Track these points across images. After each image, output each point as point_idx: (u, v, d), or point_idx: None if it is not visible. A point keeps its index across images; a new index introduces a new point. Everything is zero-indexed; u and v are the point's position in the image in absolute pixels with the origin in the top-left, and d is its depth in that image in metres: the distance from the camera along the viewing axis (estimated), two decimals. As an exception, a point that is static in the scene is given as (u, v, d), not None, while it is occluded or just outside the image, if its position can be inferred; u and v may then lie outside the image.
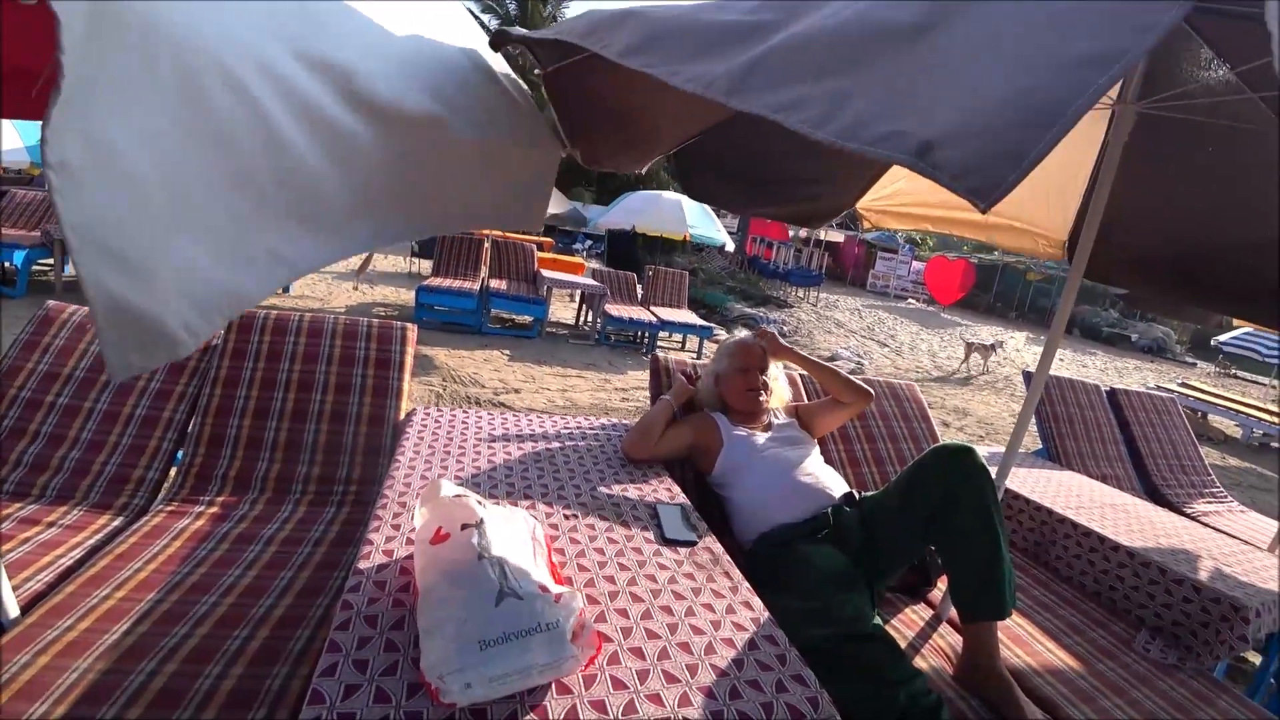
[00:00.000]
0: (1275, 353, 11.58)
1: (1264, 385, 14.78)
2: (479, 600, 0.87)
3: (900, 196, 2.98)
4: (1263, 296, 2.23)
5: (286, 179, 0.96)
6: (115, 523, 1.71)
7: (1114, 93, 1.73)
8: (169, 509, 1.76)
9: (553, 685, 0.93)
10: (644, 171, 2.34)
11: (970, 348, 10.26)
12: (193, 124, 0.79)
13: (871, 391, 2.16)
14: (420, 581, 1.02)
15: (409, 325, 2.33)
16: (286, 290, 7.39)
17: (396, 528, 1.31)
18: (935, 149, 0.66)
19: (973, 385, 9.29)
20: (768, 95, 0.87)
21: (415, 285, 6.96)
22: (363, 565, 1.17)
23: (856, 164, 2.73)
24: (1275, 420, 8.16)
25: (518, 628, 0.85)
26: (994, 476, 1.64)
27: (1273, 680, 2.36)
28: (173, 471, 1.95)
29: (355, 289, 8.46)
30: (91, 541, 1.60)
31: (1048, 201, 2.63)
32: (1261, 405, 9.12)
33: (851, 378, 2.17)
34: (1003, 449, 1.71)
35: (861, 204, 2.98)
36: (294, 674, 1.23)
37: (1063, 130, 0.61)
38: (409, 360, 2.25)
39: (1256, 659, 2.58)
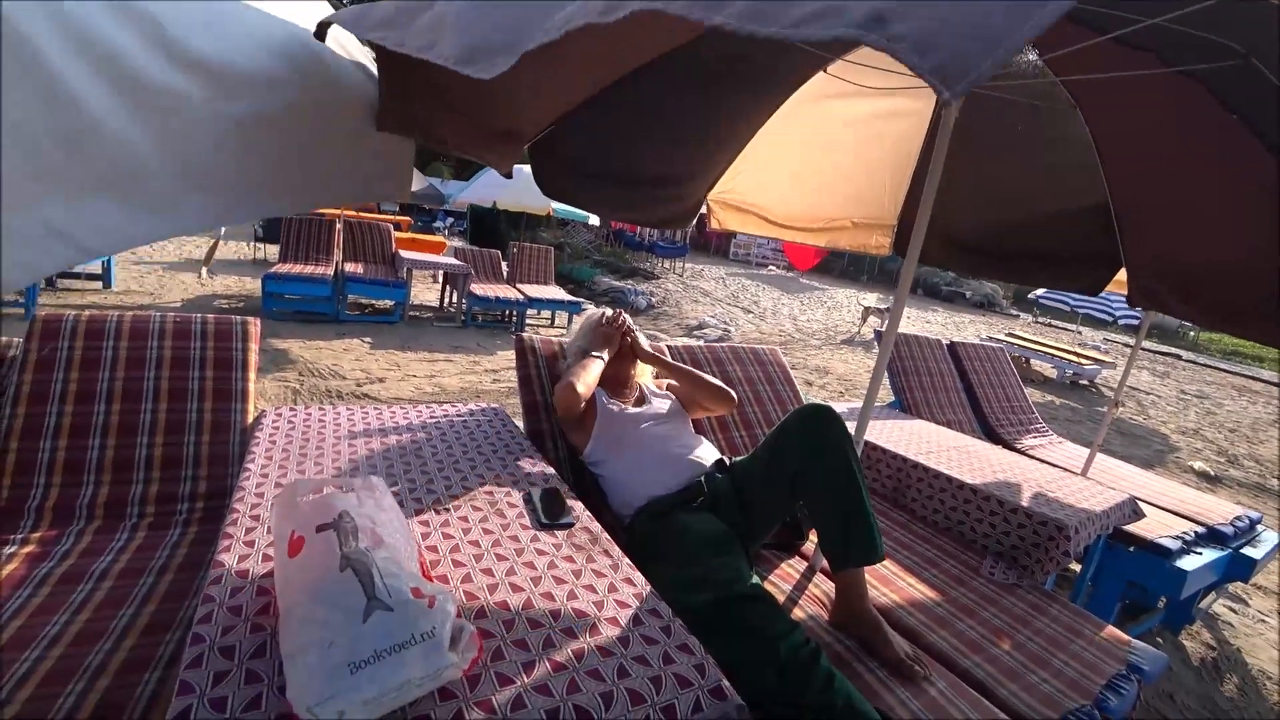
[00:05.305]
0: (1080, 303, 13.31)
1: (1071, 331, 16.92)
2: (344, 618, 0.81)
3: (740, 192, 2.95)
4: (1059, 265, 2.55)
5: (78, 140, 0.81)
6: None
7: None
8: (-33, 554, 1.51)
9: (435, 691, 0.89)
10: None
11: (868, 311, 11.01)
12: None
13: (733, 395, 2.16)
14: (280, 601, 0.93)
15: (251, 319, 2.12)
16: (108, 285, 6.55)
17: (250, 544, 1.20)
18: (889, 20, 0.55)
19: (834, 346, 9.89)
20: None
21: (261, 273, 6.41)
22: (213, 590, 1.06)
23: (717, 155, 2.71)
24: (1082, 361, 9.36)
25: (390, 643, 0.79)
26: (853, 431, 1.75)
27: (1090, 583, 2.73)
28: (-32, 510, 1.67)
29: (200, 281, 7.65)
30: None
31: (875, 192, 2.79)
32: (1070, 348, 10.42)
33: (713, 381, 2.16)
34: (861, 404, 1.83)
35: (711, 195, 2.94)
36: (143, 724, 1.09)
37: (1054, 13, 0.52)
38: (253, 358, 2.06)
39: (1077, 567, 2.97)
